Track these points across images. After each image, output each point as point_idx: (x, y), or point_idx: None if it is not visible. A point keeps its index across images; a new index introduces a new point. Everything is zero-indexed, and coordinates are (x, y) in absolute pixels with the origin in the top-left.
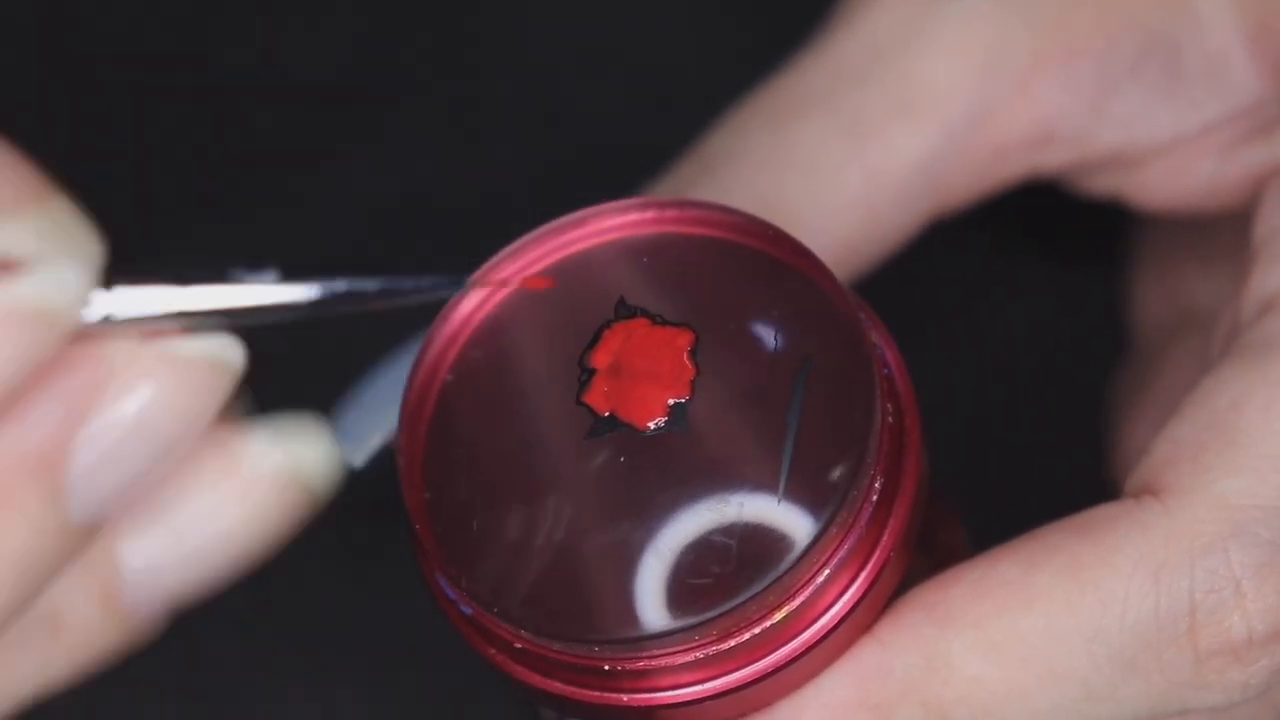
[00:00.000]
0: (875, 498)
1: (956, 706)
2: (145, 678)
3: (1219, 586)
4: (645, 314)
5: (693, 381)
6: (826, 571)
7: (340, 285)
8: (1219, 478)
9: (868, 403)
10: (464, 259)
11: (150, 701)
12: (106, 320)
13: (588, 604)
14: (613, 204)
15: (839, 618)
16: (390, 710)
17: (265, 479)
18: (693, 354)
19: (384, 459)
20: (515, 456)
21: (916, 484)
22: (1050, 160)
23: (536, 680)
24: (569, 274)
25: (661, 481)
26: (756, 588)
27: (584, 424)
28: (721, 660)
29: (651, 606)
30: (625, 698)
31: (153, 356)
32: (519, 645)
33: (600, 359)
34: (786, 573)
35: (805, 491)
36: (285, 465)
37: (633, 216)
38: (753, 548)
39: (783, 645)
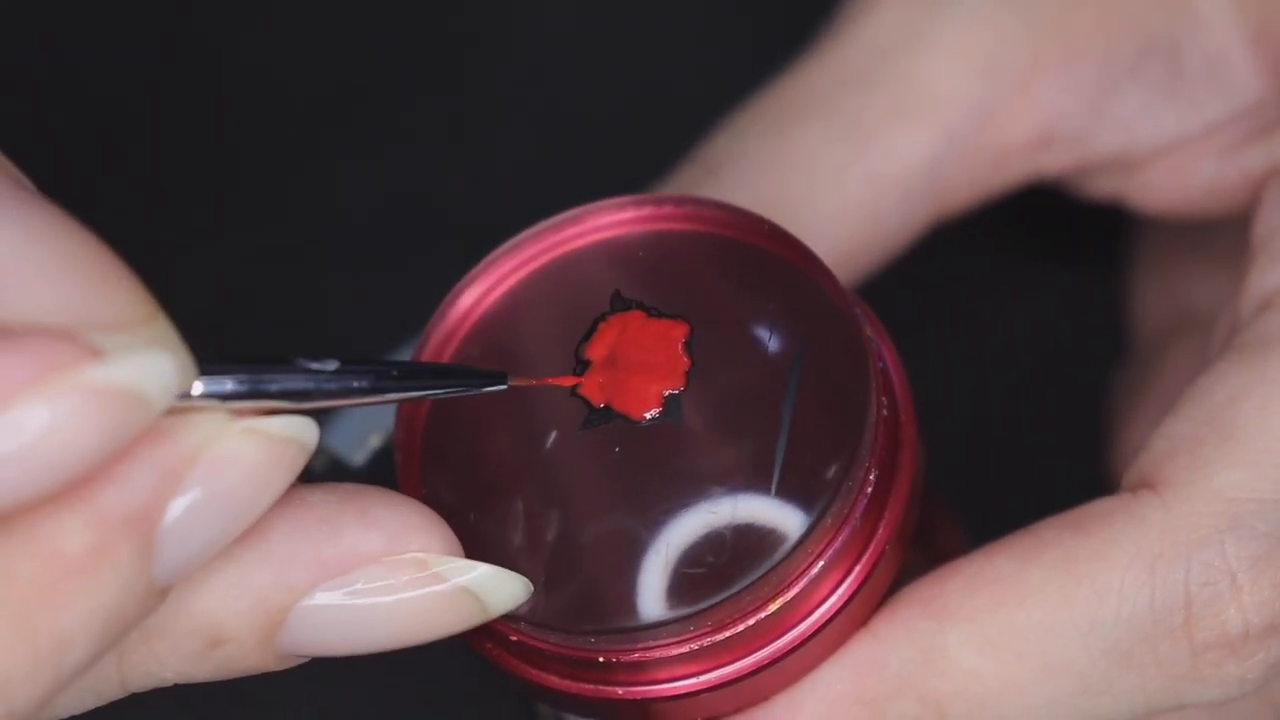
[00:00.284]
0: (870, 490)
1: (953, 701)
2: None
3: (1215, 579)
4: (641, 306)
5: (688, 373)
6: (821, 563)
7: (392, 375)
8: (1216, 472)
9: (862, 396)
10: (464, 258)
11: (150, 702)
12: (198, 397)
13: (583, 595)
14: (609, 201)
15: (834, 610)
16: (389, 713)
17: (451, 593)
18: (688, 346)
19: (383, 459)
20: (511, 450)
21: (911, 478)
22: (1051, 162)
23: (532, 674)
24: (566, 270)
25: (656, 473)
26: (751, 578)
27: (579, 416)
28: (716, 652)
29: (647, 597)
30: (621, 691)
31: (240, 432)
32: (515, 638)
33: (596, 351)
34: (780, 563)
35: (799, 484)
36: (474, 584)
37: (629, 213)
38: (747, 538)
39: (778, 638)
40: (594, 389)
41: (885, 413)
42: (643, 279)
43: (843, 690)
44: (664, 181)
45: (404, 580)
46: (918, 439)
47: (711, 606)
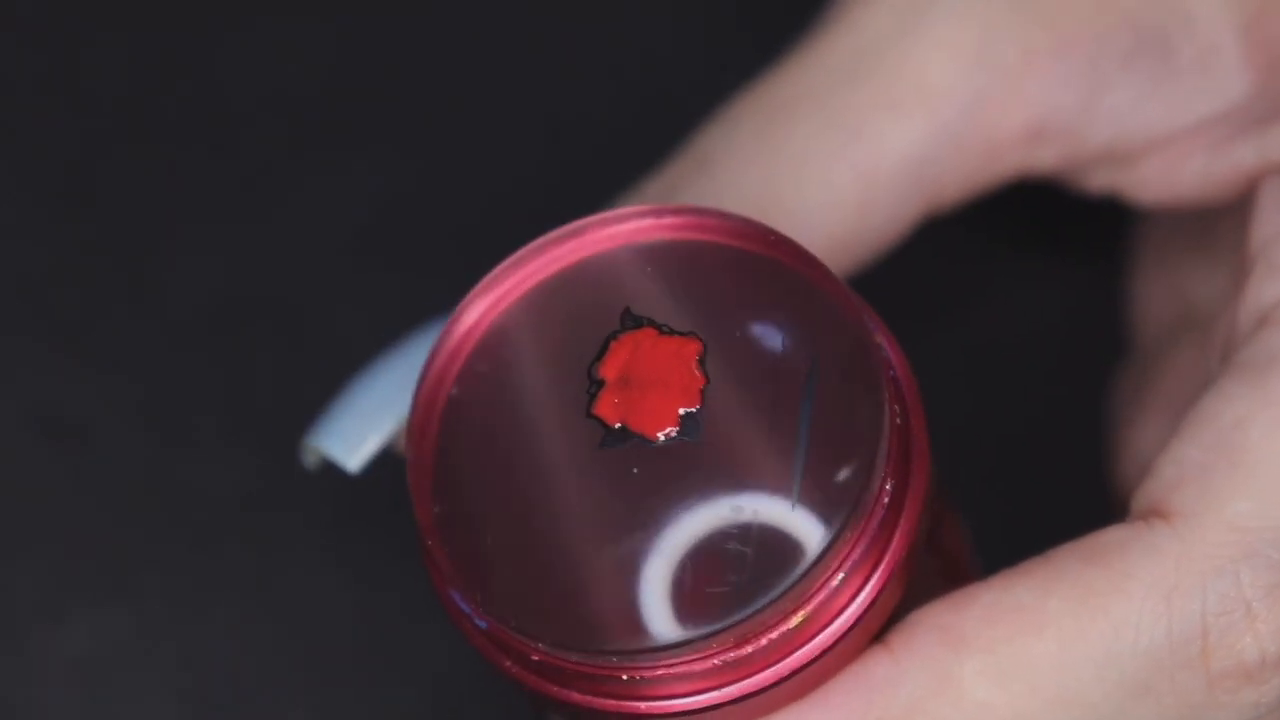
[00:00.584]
0: (886, 500)
1: None
2: (145, 679)
3: (1230, 609)
4: (652, 323)
5: (702, 390)
6: (841, 575)
7: None
8: (1227, 501)
9: (876, 406)
10: (462, 260)
11: (150, 703)
12: None
13: (605, 616)
14: (612, 212)
15: (854, 620)
16: (388, 714)
17: None
18: (701, 362)
19: (380, 462)
20: (525, 470)
21: (925, 485)
22: (1043, 156)
23: (554, 691)
24: (572, 284)
25: (674, 491)
26: (773, 594)
27: (594, 436)
28: (738, 666)
29: (668, 616)
30: (643, 705)
31: None
32: (536, 658)
33: (608, 370)
34: (803, 577)
35: (818, 496)
36: None
37: (632, 224)
38: (768, 554)
39: (798, 649)
40: (609, 409)
41: (899, 421)
42: (651, 292)
43: (855, 709)
44: (654, 176)
45: None
46: (929, 445)
47: (734, 624)
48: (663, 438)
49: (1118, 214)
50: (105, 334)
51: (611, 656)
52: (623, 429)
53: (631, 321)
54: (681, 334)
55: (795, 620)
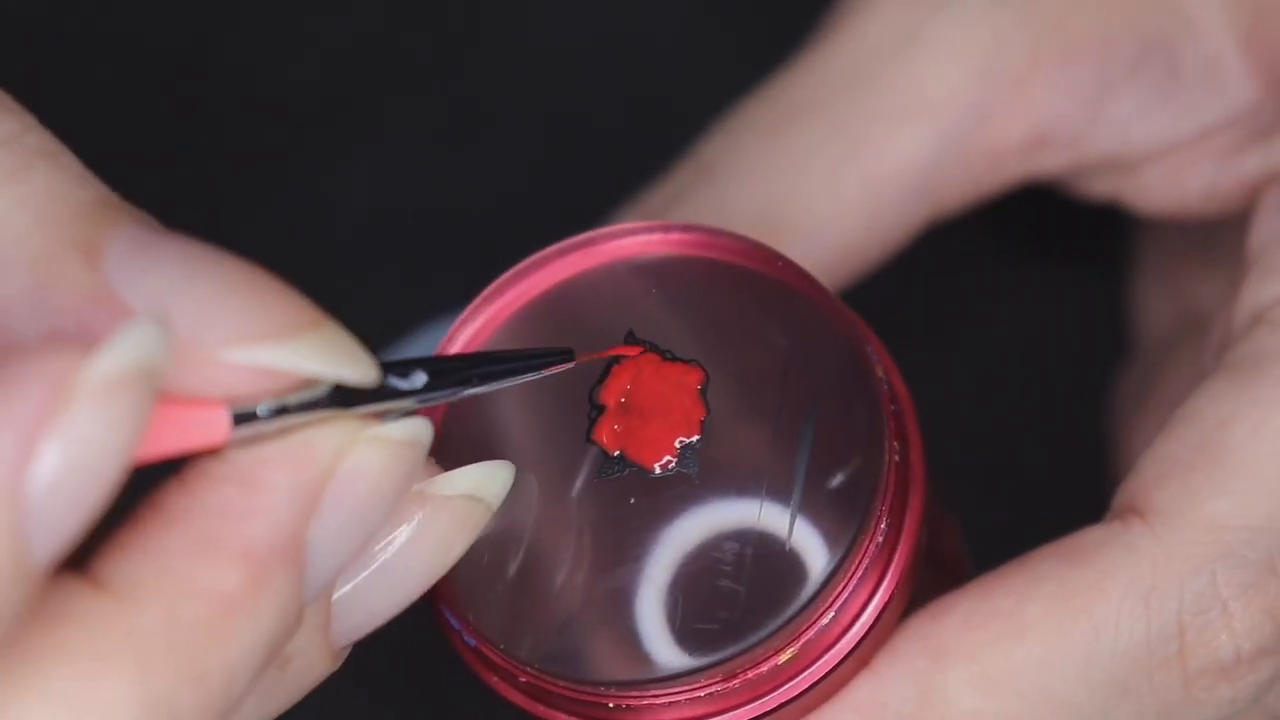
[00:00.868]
0: (881, 539)
1: None
2: None
3: (1207, 608)
4: (655, 349)
5: (703, 422)
6: (832, 614)
7: (472, 382)
8: (1206, 500)
9: (876, 447)
10: (460, 261)
11: None
12: (321, 404)
13: (593, 644)
14: (619, 226)
15: (844, 654)
16: (388, 715)
17: (458, 506)
18: (703, 392)
19: None
20: (522, 490)
21: (920, 520)
22: (1047, 163)
23: (540, 711)
24: (574, 300)
25: (669, 523)
26: (763, 633)
27: (592, 461)
28: (726, 698)
29: (658, 649)
30: None
31: (366, 441)
32: (524, 679)
33: (609, 395)
34: (793, 617)
35: (813, 535)
36: (470, 487)
37: (640, 238)
38: (759, 591)
39: (787, 682)
40: (608, 435)
41: (897, 458)
42: (655, 313)
43: None
44: (660, 183)
45: (413, 519)
46: (926, 477)
47: (724, 659)
48: (660, 470)
49: (1119, 219)
50: None
51: (598, 684)
52: (621, 457)
53: (634, 345)
54: (684, 361)
55: (785, 656)
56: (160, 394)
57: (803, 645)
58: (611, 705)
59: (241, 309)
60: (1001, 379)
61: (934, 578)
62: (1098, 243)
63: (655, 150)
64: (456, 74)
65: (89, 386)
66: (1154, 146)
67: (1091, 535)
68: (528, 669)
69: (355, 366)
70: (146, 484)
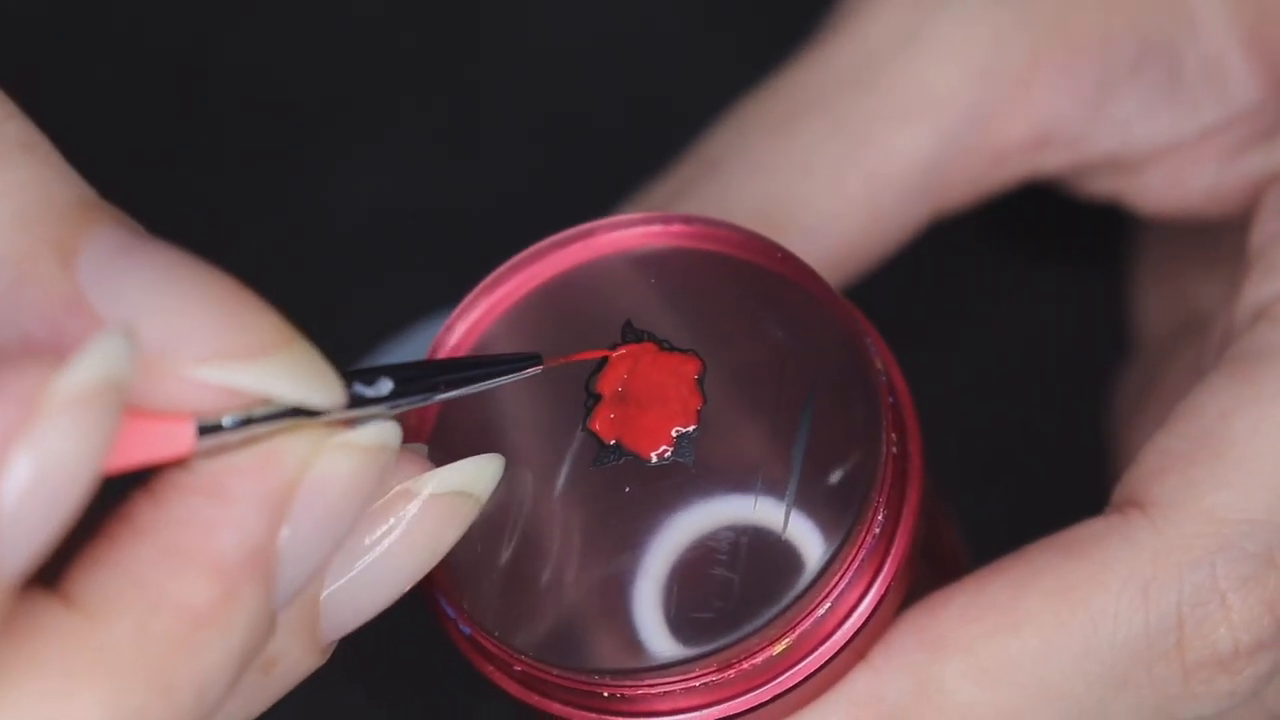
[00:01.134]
0: (878, 531)
1: None
2: None
3: (1205, 600)
4: (652, 339)
5: (699, 411)
6: (828, 604)
7: (440, 388)
8: (1206, 492)
9: (874, 438)
10: (459, 262)
11: None
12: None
13: (588, 633)
14: (619, 218)
15: (839, 646)
16: (386, 714)
17: (448, 502)
18: (699, 382)
19: None
20: (518, 479)
21: (917, 513)
22: (1048, 162)
23: (534, 700)
24: (573, 290)
25: (665, 512)
26: (758, 622)
27: (588, 450)
28: (721, 688)
29: (653, 638)
30: None
31: (333, 448)
32: (518, 668)
33: (606, 385)
34: (788, 608)
35: (808, 526)
36: (458, 483)
37: (639, 230)
38: (755, 582)
39: (782, 673)
40: (605, 424)
41: (895, 450)
42: (653, 303)
43: None
44: (663, 179)
45: (402, 517)
46: (924, 469)
47: (719, 649)
48: (655, 459)
49: (1120, 219)
50: None
51: (593, 674)
52: (617, 446)
53: (632, 335)
54: (682, 351)
55: (780, 647)
56: (126, 406)
57: (798, 636)
58: (606, 694)
59: (212, 324)
60: (1001, 378)
61: (931, 570)
62: (1098, 242)
63: (655, 150)
64: (456, 74)
65: (58, 400)
66: (1156, 146)
67: (1090, 528)
68: (522, 657)
69: (322, 390)
70: (113, 497)
